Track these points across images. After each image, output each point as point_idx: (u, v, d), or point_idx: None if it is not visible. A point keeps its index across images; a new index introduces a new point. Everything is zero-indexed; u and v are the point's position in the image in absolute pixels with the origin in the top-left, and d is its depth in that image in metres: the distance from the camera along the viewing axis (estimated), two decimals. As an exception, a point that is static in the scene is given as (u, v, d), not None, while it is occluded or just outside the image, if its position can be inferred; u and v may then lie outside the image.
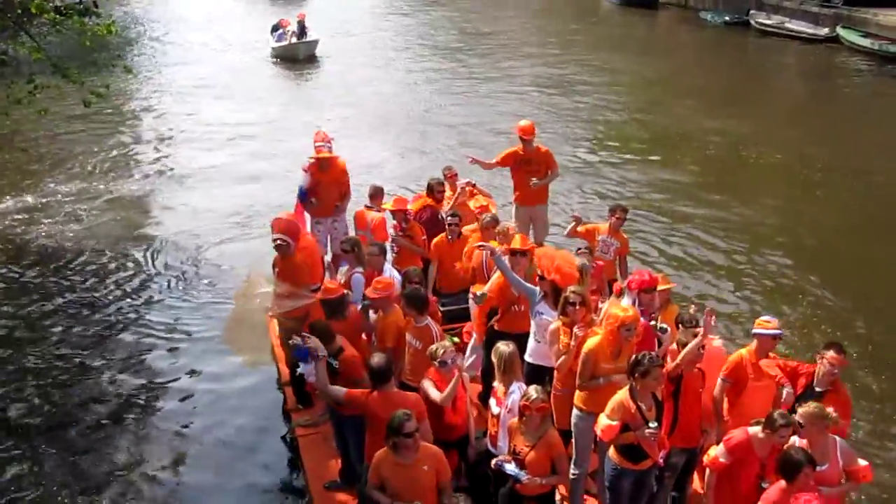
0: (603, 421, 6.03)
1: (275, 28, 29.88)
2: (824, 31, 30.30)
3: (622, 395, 6.04)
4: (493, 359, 6.76)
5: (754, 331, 6.73)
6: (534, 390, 6.07)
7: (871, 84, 25.55)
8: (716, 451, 6.07)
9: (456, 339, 8.37)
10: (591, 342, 6.59)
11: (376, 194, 10.38)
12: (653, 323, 7.24)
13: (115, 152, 19.32)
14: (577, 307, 6.81)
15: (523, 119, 10.93)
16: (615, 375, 6.39)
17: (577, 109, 22.38)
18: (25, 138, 19.94)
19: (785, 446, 5.66)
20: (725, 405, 6.81)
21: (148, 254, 13.76)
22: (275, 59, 28.96)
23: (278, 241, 8.39)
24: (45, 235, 14.55)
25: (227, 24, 35.93)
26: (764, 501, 5.50)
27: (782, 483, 5.44)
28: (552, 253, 8.04)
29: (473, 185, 10.54)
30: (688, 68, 28.89)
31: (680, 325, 6.85)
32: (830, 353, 6.27)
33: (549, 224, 11.13)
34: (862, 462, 5.84)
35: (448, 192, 10.38)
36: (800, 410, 5.78)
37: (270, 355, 10.07)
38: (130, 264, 13.42)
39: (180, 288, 12.60)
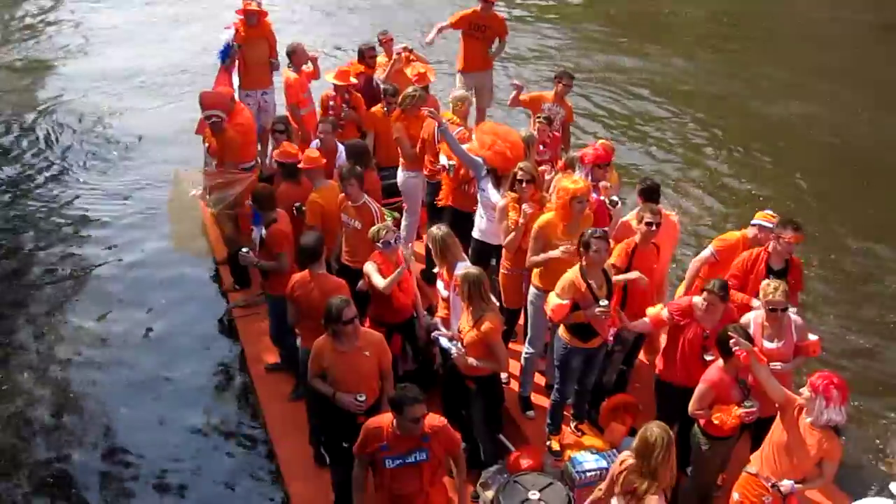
0: (553, 300, 5.87)
1: None
2: None
3: (572, 273, 5.88)
4: (428, 243, 6.51)
5: (754, 222, 6.45)
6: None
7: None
8: (657, 310, 6.00)
9: (396, 215, 8.06)
10: (542, 218, 6.35)
11: (298, 52, 9.44)
12: (603, 198, 7.00)
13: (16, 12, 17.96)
14: (526, 185, 6.55)
15: None
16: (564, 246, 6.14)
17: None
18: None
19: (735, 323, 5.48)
20: (697, 282, 6.63)
21: (51, 127, 12.85)
22: None
23: (212, 118, 7.88)
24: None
25: None
26: (703, 380, 5.39)
27: (720, 361, 5.36)
28: (493, 128, 7.48)
29: (410, 51, 9.87)
30: None
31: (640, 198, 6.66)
32: (789, 233, 6.08)
33: (493, 91, 10.67)
34: (812, 337, 5.81)
35: (382, 59, 9.74)
36: (762, 292, 5.64)
37: (204, 236, 9.66)
38: (37, 142, 12.47)
39: (97, 170, 11.71)
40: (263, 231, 6.78)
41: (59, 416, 7.55)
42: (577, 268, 5.89)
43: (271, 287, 6.93)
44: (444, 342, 5.96)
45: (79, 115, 13.17)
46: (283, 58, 9.60)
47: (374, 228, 6.40)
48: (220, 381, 7.94)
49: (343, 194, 6.96)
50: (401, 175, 8.39)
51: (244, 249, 6.82)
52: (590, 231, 5.85)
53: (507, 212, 6.64)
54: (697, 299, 5.82)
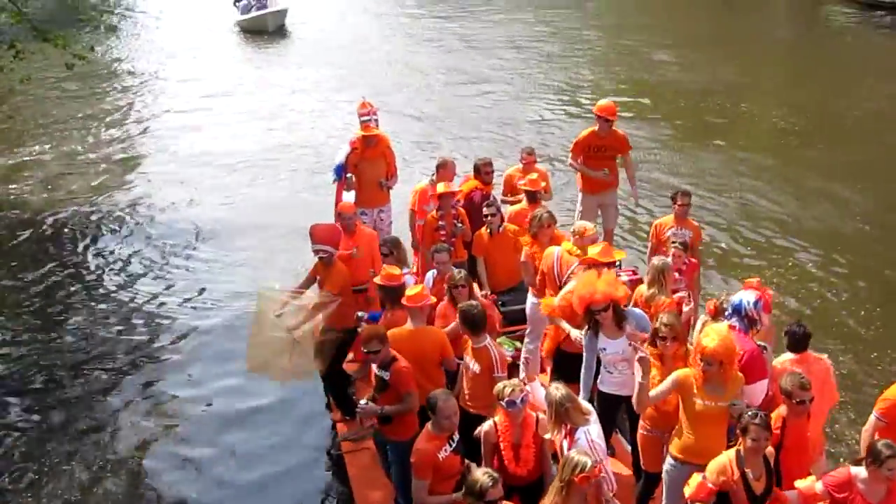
0: (696, 479, 5.14)
1: None
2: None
3: (726, 457, 5.23)
4: (545, 405, 5.85)
5: None
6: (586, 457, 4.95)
7: (855, 31, 25.13)
8: (810, 482, 5.24)
9: (518, 345, 7.71)
10: (681, 372, 5.73)
11: (447, 166, 9.24)
12: (761, 343, 6.14)
13: (100, 117, 18.51)
14: (669, 342, 5.94)
15: (603, 99, 9.84)
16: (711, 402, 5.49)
17: (553, 60, 21.89)
18: (7, 102, 19.06)
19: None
20: None
21: (144, 238, 12.88)
22: (239, 32, 26.41)
23: (320, 253, 7.78)
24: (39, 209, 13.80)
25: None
26: None
27: None
28: (586, 280, 6.42)
29: (531, 153, 9.46)
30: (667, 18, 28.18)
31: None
32: None
33: (618, 210, 10.18)
34: None
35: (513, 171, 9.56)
36: None
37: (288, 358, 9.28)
38: (125, 249, 12.61)
39: (194, 287, 11.46)
40: (385, 373, 6.36)
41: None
42: (733, 451, 5.25)
43: (395, 432, 6.43)
44: None
45: (162, 209, 13.52)
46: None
47: (498, 386, 5.78)
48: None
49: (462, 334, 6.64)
50: (530, 301, 7.80)
51: (363, 402, 6.44)
52: (749, 413, 5.14)
53: (648, 368, 5.82)
54: (857, 469, 5.17)
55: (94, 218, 13.49)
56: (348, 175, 9.41)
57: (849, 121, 16.98)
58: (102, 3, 27.83)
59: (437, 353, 6.70)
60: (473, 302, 6.74)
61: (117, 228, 13.21)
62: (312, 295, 7.72)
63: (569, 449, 5.38)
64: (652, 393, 5.76)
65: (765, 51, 23.50)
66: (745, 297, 6.09)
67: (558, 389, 5.63)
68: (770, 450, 5.34)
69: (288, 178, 14.72)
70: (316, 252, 7.81)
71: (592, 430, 5.50)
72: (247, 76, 21.49)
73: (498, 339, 7.72)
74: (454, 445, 5.70)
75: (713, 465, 5.22)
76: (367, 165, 9.42)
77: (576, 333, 6.60)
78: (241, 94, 19.78)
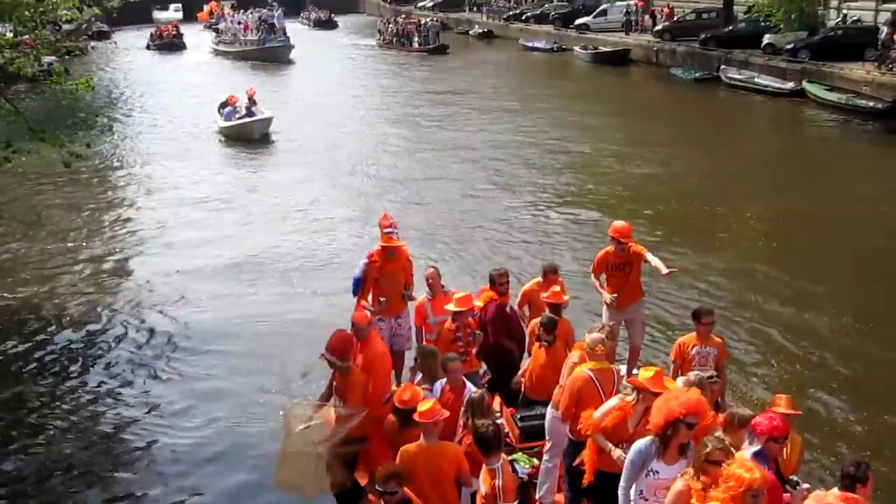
0: None
1: (222, 105, 27.59)
2: (790, 84, 30.82)
3: None
4: None
5: None
6: None
7: (838, 136, 25.87)
8: None
9: (535, 461, 7.36)
10: None
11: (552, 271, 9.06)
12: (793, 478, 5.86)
13: (91, 215, 18.94)
14: (723, 465, 5.15)
15: (617, 220, 9.39)
16: None
17: (553, 166, 22.36)
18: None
19: None
20: None
21: (135, 341, 12.57)
22: (223, 139, 26.93)
23: (330, 362, 7.53)
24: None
25: (207, 89, 35.26)
26: None
27: None
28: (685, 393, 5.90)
29: (555, 271, 9.20)
30: (661, 122, 29.23)
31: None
32: None
33: (645, 324, 9.76)
34: None
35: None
36: None
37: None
38: (117, 352, 12.28)
39: (195, 406, 10.76)
40: None
41: None
42: None
43: None
44: None
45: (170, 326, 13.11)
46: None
47: None
48: None
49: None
50: (550, 414, 7.39)
51: None
52: None
53: (685, 500, 5.24)
54: None
55: (83, 316, 13.41)
56: (381, 299, 9.08)
57: (830, 223, 17.23)
58: (97, 103, 28.91)
59: (453, 469, 6.30)
60: (487, 421, 6.28)
61: (110, 328, 13.04)
62: (339, 408, 7.45)
63: None
64: None
65: (748, 155, 24.10)
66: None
67: None
68: None
69: (279, 280, 14.67)
70: (325, 359, 7.54)
71: None
72: (236, 179, 22.10)
73: (515, 455, 7.63)
74: None
75: None
76: (387, 278, 9.16)
77: (618, 452, 6.14)
78: (232, 196, 20.23)
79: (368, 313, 8.55)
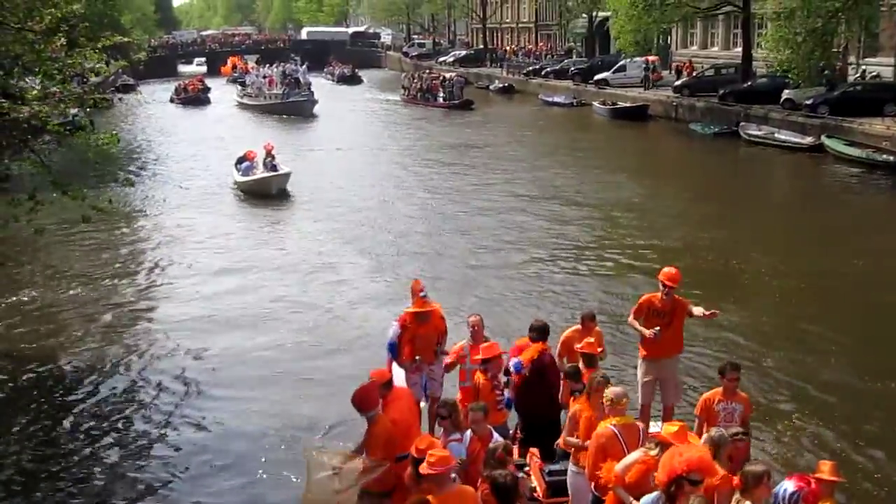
0: None
1: (240, 160, 27.19)
2: (809, 139, 30.87)
3: None
4: None
5: None
6: None
7: (858, 190, 25.84)
8: None
9: None
10: None
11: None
12: None
13: (112, 264, 19.17)
14: None
15: (668, 266, 9.22)
16: None
17: (570, 219, 22.44)
18: (19, 247, 19.60)
19: None
20: None
21: (153, 389, 12.57)
22: (240, 195, 26.78)
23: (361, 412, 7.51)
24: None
25: (229, 142, 35.38)
26: None
27: None
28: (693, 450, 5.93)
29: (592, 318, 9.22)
30: (680, 177, 29.37)
31: None
32: None
33: (681, 384, 9.62)
34: None
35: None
36: None
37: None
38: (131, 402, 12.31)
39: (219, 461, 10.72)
40: None
41: None
42: None
43: None
44: None
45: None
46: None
47: None
48: None
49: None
50: (571, 470, 7.41)
51: None
52: None
53: None
54: None
55: (98, 365, 13.46)
56: (416, 358, 9.10)
57: (845, 278, 17.13)
58: (120, 156, 29.13)
59: None
60: (505, 471, 6.17)
61: (124, 376, 13.11)
62: (364, 460, 7.33)
63: None
64: None
65: (766, 209, 24.15)
66: (786, 486, 5.72)
67: None
68: None
69: (294, 334, 14.55)
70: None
71: None
72: (256, 234, 22.21)
73: None
74: None
75: None
76: (421, 339, 9.20)
77: None
78: (251, 250, 20.30)
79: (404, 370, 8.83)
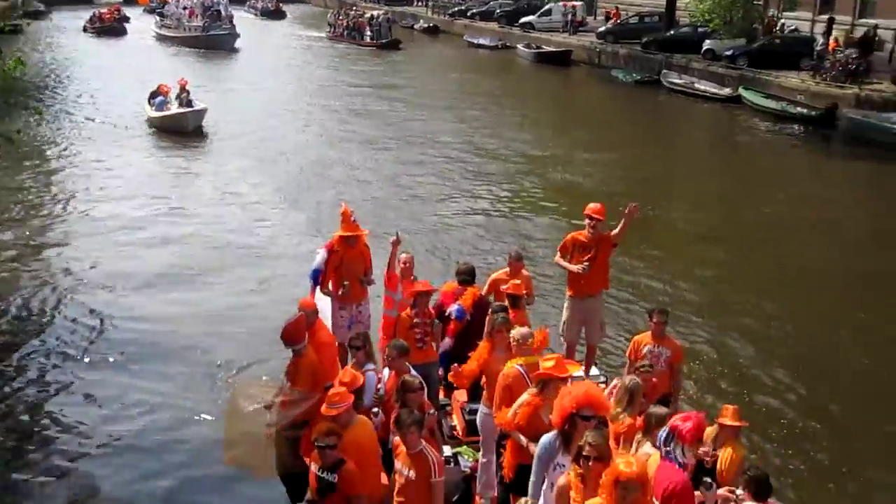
0: None
1: (153, 95, 26.05)
2: (727, 90, 31.45)
3: None
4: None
5: None
6: None
7: (772, 141, 26.47)
8: None
9: (479, 456, 7.34)
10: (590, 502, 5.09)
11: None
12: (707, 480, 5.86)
13: (17, 201, 18.42)
14: (593, 462, 5.20)
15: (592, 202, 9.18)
16: None
17: (490, 164, 22.52)
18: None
19: None
20: None
21: (67, 343, 12.06)
22: (153, 130, 25.74)
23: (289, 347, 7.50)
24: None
25: (145, 74, 33.66)
26: None
27: None
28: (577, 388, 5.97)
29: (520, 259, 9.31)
30: (600, 124, 29.58)
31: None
32: None
33: (604, 322, 9.68)
34: None
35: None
36: None
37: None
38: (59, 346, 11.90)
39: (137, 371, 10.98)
40: (332, 476, 6.07)
41: None
42: None
43: None
44: None
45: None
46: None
47: None
48: None
49: (396, 438, 6.23)
50: (482, 411, 7.42)
51: None
52: None
53: (567, 492, 5.31)
54: None
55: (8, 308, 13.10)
56: (345, 283, 9.02)
57: (756, 225, 17.75)
58: (28, 86, 27.98)
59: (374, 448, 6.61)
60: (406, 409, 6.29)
61: (39, 318, 12.75)
62: (290, 392, 7.37)
63: None
64: None
65: (681, 158, 24.63)
66: (665, 427, 5.79)
67: None
68: None
69: (218, 277, 14.32)
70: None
71: None
72: (170, 170, 21.66)
73: (460, 448, 7.77)
74: None
75: None
76: (347, 266, 9.13)
77: (534, 447, 6.09)
78: (165, 187, 19.86)
79: (329, 300, 8.82)
